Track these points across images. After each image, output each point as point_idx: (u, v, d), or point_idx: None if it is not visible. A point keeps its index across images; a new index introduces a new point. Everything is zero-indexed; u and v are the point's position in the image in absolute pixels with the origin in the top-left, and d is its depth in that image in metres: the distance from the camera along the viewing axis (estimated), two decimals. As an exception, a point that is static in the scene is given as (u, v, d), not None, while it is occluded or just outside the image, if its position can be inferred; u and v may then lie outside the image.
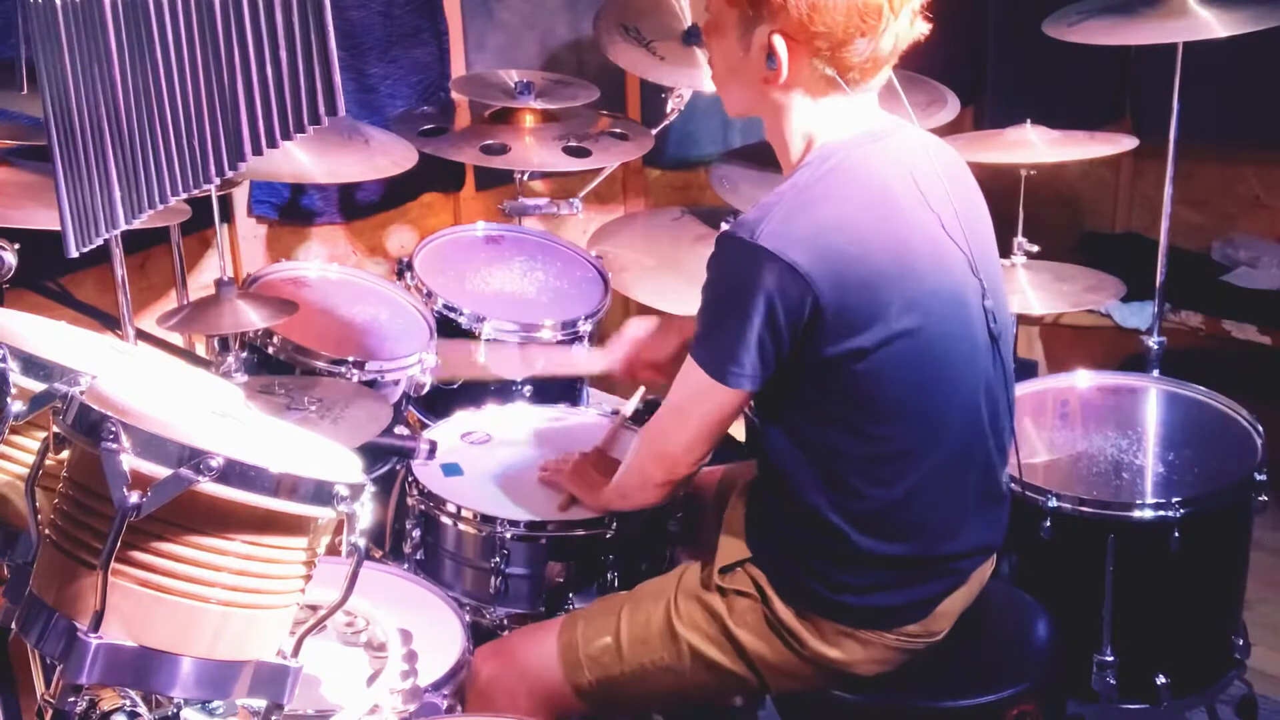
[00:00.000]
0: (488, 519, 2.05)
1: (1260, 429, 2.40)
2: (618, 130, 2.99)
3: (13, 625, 1.26)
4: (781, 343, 1.67)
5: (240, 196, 2.95)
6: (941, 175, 1.79)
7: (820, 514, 1.76)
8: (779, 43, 1.68)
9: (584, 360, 2.31)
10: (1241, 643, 2.38)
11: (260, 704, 1.32)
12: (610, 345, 2.23)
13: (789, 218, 1.66)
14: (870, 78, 1.73)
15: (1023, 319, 3.09)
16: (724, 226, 2.68)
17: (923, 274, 1.71)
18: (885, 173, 1.74)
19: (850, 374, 1.69)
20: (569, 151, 2.85)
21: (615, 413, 2.40)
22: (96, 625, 1.18)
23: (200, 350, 2.77)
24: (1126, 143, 2.83)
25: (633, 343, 2.19)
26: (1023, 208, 2.76)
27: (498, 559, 2.04)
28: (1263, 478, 2.29)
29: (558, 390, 2.61)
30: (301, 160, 2.45)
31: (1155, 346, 2.89)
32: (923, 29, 1.72)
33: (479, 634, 1.98)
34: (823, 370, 1.69)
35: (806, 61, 1.70)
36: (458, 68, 3.24)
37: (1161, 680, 2.26)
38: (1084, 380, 2.65)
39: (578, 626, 1.91)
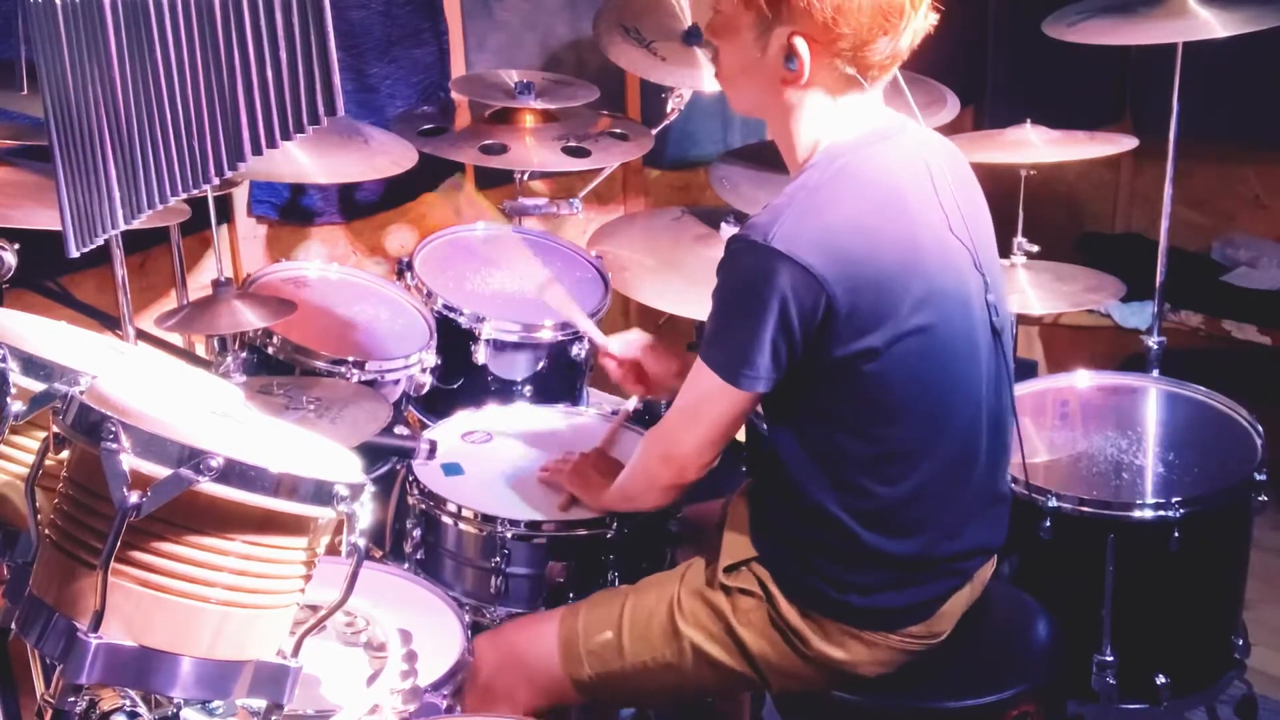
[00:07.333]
0: (488, 518, 2.05)
1: (1260, 429, 2.40)
2: (618, 130, 2.98)
3: (13, 625, 1.26)
4: (794, 344, 1.67)
5: (240, 196, 2.94)
6: (947, 172, 1.79)
7: (826, 512, 1.76)
8: (801, 44, 1.67)
9: (593, 329, 2.31)
10: (1241, 643, 2.38)
11: (260, 704, 1.31)
12: (619, 338, 2.20)
13: (800, 219, 1.65)
14: (887, 74, 1.73)
15: (1023, 319, 3.09)
16: (724, 226, 2.72)
17: (931, 272, 1.71)
18: (893, 172, 1.74)
19: (860, 374, 1.68)
20: (569, 151, 2.85)
21: (615, 413, 2.40)
22: (96, 625, 1.18)
23: (200, 350, 2.77)
24: (1126, 143, 2.82)
25: (639, 347, 2.16)
26: (1022, 208, 2.76)
27: (498, 558, 2.04)
28: (1263, 478, 2.29)
29: (558, 390, 2.61)
30: (301, 160, 2.44)
31: (1155, 346, 2.89)
32: (932, 20, 1.72)
33: (479, 634, 1.98)
34: (832, 371, 1.69)
35: (828, 61, 1.69)
36: (458, 68, 3.23)
37: (1161, 680, 2.26)
38: (1084, 380, 2.66)
39: (578, 619, 1.91)
